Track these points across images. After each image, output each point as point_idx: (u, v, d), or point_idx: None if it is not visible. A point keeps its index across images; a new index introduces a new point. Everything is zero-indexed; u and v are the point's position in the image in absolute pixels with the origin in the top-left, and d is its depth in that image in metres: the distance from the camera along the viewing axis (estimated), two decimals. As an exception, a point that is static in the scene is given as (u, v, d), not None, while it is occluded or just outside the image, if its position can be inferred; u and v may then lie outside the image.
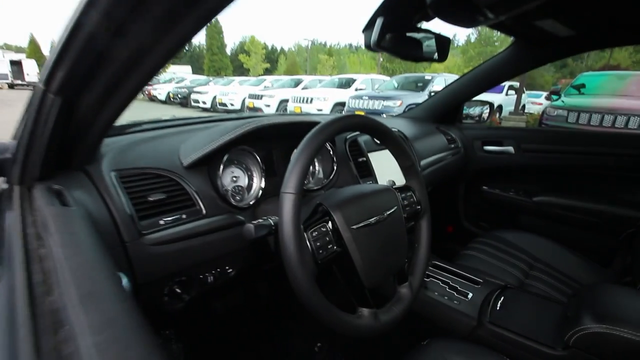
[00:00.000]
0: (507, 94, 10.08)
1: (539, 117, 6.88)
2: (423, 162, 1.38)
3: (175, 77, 18.54)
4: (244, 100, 10.67)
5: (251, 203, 0.82)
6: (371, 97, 7.38)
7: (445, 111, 1.72)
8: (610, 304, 0.78)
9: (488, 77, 1.52)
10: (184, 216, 0.69)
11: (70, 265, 0.31)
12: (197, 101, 12.13)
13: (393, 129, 0.79)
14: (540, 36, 1.20)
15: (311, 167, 1.04)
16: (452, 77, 7.86)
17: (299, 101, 8.91)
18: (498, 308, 0.92)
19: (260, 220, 0.63)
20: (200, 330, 1.22)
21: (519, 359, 0.81)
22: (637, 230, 1.30)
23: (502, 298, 0.95)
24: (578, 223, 1.51)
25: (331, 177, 1.02)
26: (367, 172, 1.12)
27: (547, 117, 5.68)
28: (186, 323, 1.13)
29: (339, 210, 0.63)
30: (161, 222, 0.65)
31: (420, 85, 8.13)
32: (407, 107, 6.67)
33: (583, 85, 5.95)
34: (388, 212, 0.70)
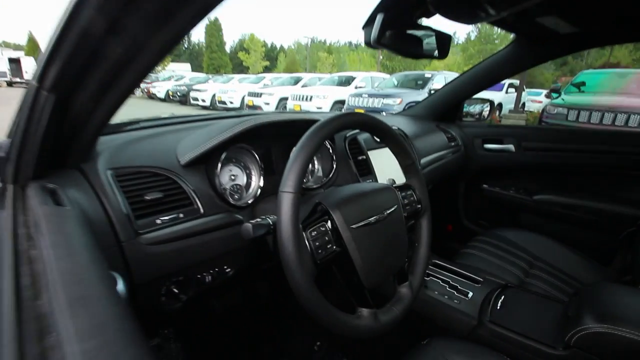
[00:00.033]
0: (507, 92, 10.06)
1: (538, 115, 6.87)
2: (423, 161, 1.38)
3: (174, 74, 18.49)
4: (243, 98, 10.64)
5: (249, 202, 0.81)
6: (371, 95, 7.36)
7: (445, 109, 1.71)
8: (611, 304, 0.77)
9: (489, 74, 1.51)
10: (181, 215, 0.68)
11: (61, 268, 0.30)
12: (196, 99, 12.09)
13: (393, 127, 0.78)
14: (541, 33, 1.19)
15: (310, 166, 1.04)
16: (452, 75, 7.85)
17: (299, 99, 8.89)
18: (498, 307, 0.91)
19: (258, 220, 0.62)
20: (199, 329, 1.21)
21: (519, 359, 0.80)
22: (637, 229, 1.29)
23: (502, 297, 0.94)
24: (578, 221, 1.51)
25: (330, 175, 1.01)
26: (366, 170, 1.11)
27: (547, 115, 5.68)
28: (185, 322, 1.13)
29: (338, 209, 0.63)
30: (158, 221, 0.64)
31: (420, 83, 8.11)
32: (406, 105, 6.65)
33: (583, 83, 5.94)
34: (388, 211, 0.69)
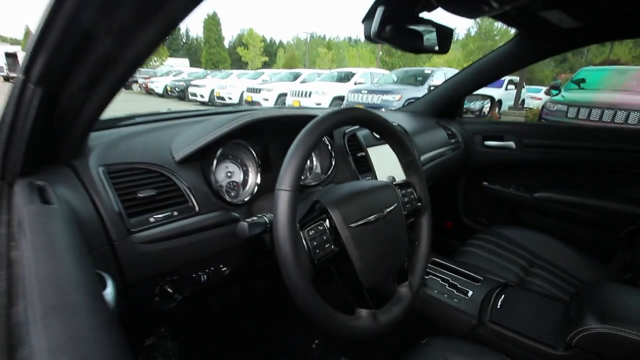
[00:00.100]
0: (506, 89, 10.04)
1: (538, 112, 6.86)
2: (423, 157, 1.36)
3: (172, 70, 18.40)
4: (242, 94, 10.58)
5: (246, 199, 0.80)
6: (370, 91, 7.32)
7: (445, 105, 1.69)
8: (613, 304, 0.76)
9: (490, 70, 1.49)
10: (175, 213, 0.66)
11: (39, 272, 0.28)
12: (194, 94, 12.02)
13: (393, 124, 0.76)
14: (544, 28, 1.17)
15: (308, 162, 1.02)
16: (452, 71, 7.81)
17: (298, 95, 8.84)
18: (499, 306, 0.90)
19: (254, 218, 0.61)
20: (196, 327, 1.20)
21: (520, 359, 0.79)
22: (638, 228, 1.28)
23: (502, 296, 0.93)
24: (579, 219, 1.50)
25: (329, 172, 0.99)
26: (366, 167, 1.09)
27: (546, 112, 5.66)
28: (182, 321, 1.12)
29: (336, 208, 0.61)
30: (151, 219, 0.63)
31: (419, 79, 8.07)
32: (406, 101, 6.62)
33: (583, 80, 5.92)
34: (388, 210, 0.68)
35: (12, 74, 20.06)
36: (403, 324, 0.68)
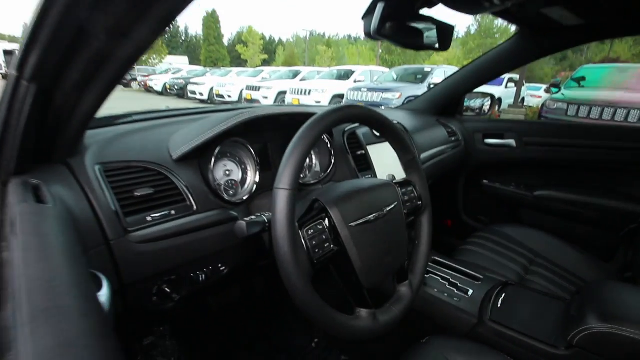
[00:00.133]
0: (506, 87, 10.02)
1: (538, 110, 6.85)
2: (423, 156, 1.35)
3: (171, 68, 18.34)
4: (241, 92, 10.55)
5: (245, 198, 0.79)
6: (370, 89, 7.30)
7: (445, 103, 1.68)
8: (615, 303, 0.75)
9: (490, 68, 1.48)
10: (173, 212, 0.65)
11: (29, 274, 0.27)
12: (194, 92, 11.98)
13: (393, 121, 0.75)
14: (546, 25, 1.16)
15: (308, 161, 1.01)
16: (452, 69, 7.79)
17: (297, 93, 8.81)
18: (499, 305, 0.89)
19: (253, 217, 0.60)
20: (195, 326, 1.19)
21: (520, 358, 0.79)
22: (639, 226, 1.28)
23: (503, 295, 0.92)
24: (579, 218, 1.49)
25: (328, 171, 0.98)
26: (366, 165, 1.09)
27: (546, 110, 5.65)
28: (181, 320, 1.11)
29: (336, 206, 0.60)
30: (148, 218, 0.62)
31: (419, 77, 8.06)
32: (406, 99, 6.61)
33: (583, 78, 5.90)
34: (388, 208, 0.67)
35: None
36: (403, 323, 0.68)
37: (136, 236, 0.59)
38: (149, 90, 15.54)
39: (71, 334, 0.23)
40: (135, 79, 18.12)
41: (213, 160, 0.73)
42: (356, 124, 1.12)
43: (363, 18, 0.84)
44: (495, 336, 0.84)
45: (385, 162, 1.17)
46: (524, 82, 10.51)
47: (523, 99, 10.83)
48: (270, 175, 0.85)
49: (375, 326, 0.61)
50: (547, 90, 7.24)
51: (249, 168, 0.84)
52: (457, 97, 1.70)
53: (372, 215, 0.64)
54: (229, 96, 10.78)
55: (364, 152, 1.10)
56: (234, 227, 0.60)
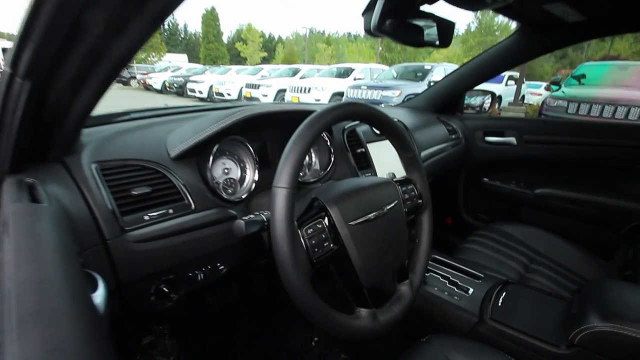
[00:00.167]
0: (506, 85, 10.00)
1: (538, 108, 6.83)
2: (423, 154, 1.34)
3: (170, 65, 18.30)
4: (241, 90, 10.52)
5: (243, 197, 0.78)
6: (370, 87, 7.28)
7: (446, 101, 1.67)
8: (617, 302, 0.75)
9: (491, 65, 1.47)
10: (170, 211, 0.64)
11: (20, 275, 0.26)
12: (193, 90, 11.95)
13: (393, 119, 0.74)
14: (547, 21, 1.15)
15: (307, 159, 1.00)
16: (452, 67, 7.78)
17: (297, 91, 8.78)
18: (500, 304, 0.89)
19: (251, 216, 0.59)
20: (194, 325, 1.19)
21: (521, 357, 0.78)
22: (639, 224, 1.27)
23: (503, 293, 0.92)
24: (580, 216, 1.49)
25: (328, 169, 0.98)
26: (365, 163, 1.08)
27: (546, 108, 5.64)
28: (180, 319, 1.11)
29: (335, 205, 0.60)
30: (146, 217, 0.61)
31: (419, 75, 8.03)
32: (406, 97, 6.59)
33: (583, 76, 5.89)
34: (388, 207, 0.66)
35: (10, 70, 19.85)
36: (403, 322, 0.67)
37: (133, 235, 0.59)
38: (148, 88, 15.49)
39: (60, 339, 0.22)
40: (134, 77, 18.07)
41: (211, 158, 0.72)
42: (356, 122, 1.11)
43: (363, 14, 0.83)
44: (495, 335, 0.84)
45: (386, 160, 1.16)
46: (524, 79, 10.49)
47: (523, 96, 10.82)
48: (269, 174, 0.84)
49: (376, 326, 0.60)
50: (547, 88, 7.21)
51: (247, 166, 0.83)
52: (458, 95, 1.69)
53: (372, 214, 0.63)
54: (229, 94, 10.75)
55: (363, 150, 1.09)
56: (232, 226, 0.59)
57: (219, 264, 0.75)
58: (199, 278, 0.72)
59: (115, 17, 0.38)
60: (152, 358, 1.00)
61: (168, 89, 13.76)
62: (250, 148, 0.82)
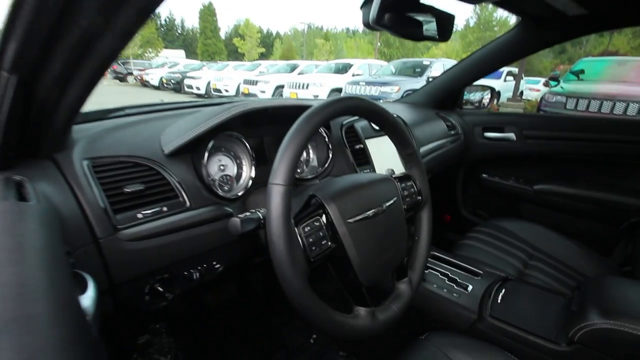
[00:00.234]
0: (505, 80, 9.99)
1: (537, 103, 6.83)
2: (422, 150, 1.33)
3: (168, 61, 18.19)
4: (238, 86, 10.46)
5: (240, 194, 0.77)
6: (368, 83, 7.25)
7: (445, 96, 1.66)
8: (617, 299, 0.74)
9: (490, 60, 1.46)
10: (165, 209, 0.63)
11: (1, 279, 0.25)
12: (190, 87, 11.88)
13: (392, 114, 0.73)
14: (549, 15, 1.13)
15: (305, 155, 0.99)
16: (451, 63, 7.74)
17: (295, 87, 8.73)
18: (499, 301, 0.88)
19: (247, 214, 0.58)
20: (192, 323, 1.18)
21: (520, 354, 0.78)
22: (639, 220, 1.27)
23: (503, 290, 0.91)
24: (579, 212, 1.48)
25: (326, 165, 0.96)
26: (364, 160, 1.07)
27: (545, 104, 5.63)
28: (177, 317, 1.10)
29: (333, 202, 0.58)
30: (139, 215, 0.60)
31: (418, 70, 8.00)
32: (404, 92, 6.57)
33: (582, 71, 5.87)
34: (387, 204, 0.65)
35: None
36: (402, 319, 0.67)
37: (126, 234, 0.57)
38: (145, 84, 15.40)
39: (37, 348, 0.21)
40: (131, 73, 17.95)
41: (206, 154, 0.71)
42: (354, 117, 1.10)
43: (361, 7, 0.81)
44: (495, 332, 0.83)
45: (384, 156, 1.15)
46: (523, 75, 10.48)
47: (522, 92, 10.81)
48: (266, 170, 0.82)
49: (374, 325, 0.59)
50: (546, 84, 7.20)
51: (244, 163, 0.82)
52: (457, 90, 1.67)
53: (370, 211, 0.62)
54: (226, 90, 10.69)
55: (362, 146, 1.08)
56: (227, 224, 0.58)
57: (214, 263, 0.74)
58: (195, 277, 0.71)
59: (102, 8, 0.36)
60: (149, 357, 0.99)
61: (165, 85, 13.68)
62: (247, 144, 0.80)
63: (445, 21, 0.90)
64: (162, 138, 0.71)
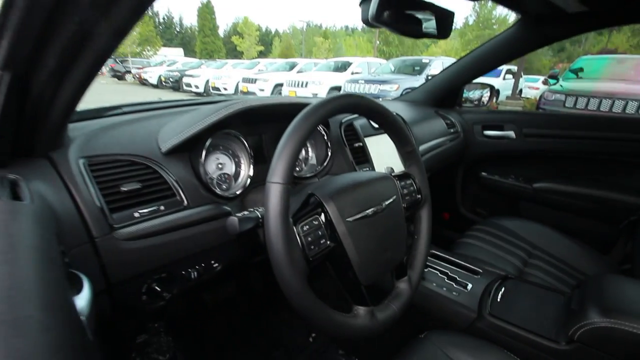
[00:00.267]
0: (504, 78, 9.99)
1: (536, 101, 6.83)
2: (421, 148, 1.33)
3: (166, 60, 18.12)
4: (237, 84, 10.43)
5: (238, 192, 0.76)
6: (367, 81, 7.24)
7: (444, 94, 1.65)
8: (616, 297, 0.74)
9: (490, 58, 1.45)
10: (162, 207, 0.62)
11: None
12: (189, 85, 11.83)
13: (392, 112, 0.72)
14: (548, 12, 1.13)
15: (304, 153, 0.98)
16: (450, 61, 7.73)
17: (294, 85, 8.72)
18: (498, 300, 0.88)
19: (245, 213, 0.57)
20: (191, 322, 1.18)
21: (520, 353, 0.77)
22: (639, 219, 1.27)
23: (502, 289, 0.91)
24: (578, 210, 1.48)
25: (325, 163, 0.96)
26: (363, 158, 1.06)
27: (544, 102, 5.63)
28: (176, 316, 1.09)
29: (332, 201, 0.58)
30: (136, 214, 0.59)
31: (417, 68, 7.99)
32: (404, 91, 6.56)
33: (581, 69, 5.87)
34: (386, 202, 0.65)
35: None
36: (401, 318, 0.66)
37: (123, 233, 0.57)
38: (143, 82, 15.34)
39: (26, 352, 0.20)
40: (130, 72, 17.88)
41: (204, 153, 0.70)
42: (353, 115, 1.09)
43: (361, 4, 0.80)
44: (494, 331, 0.83)
45: (384, 154, 1.14)
46: (522, 73, 10.48)
47: (521, 90, 10.82)
48: (264, 169, 0.81)
49: (374, 324, 0.59)
50: (545, 82, 7.21)
51: (242, 161, 0.81)
52: (456, 88, 1.66)
53: (370, 210, 0.61)
54: (225, 89, 10.66)
55: (361, 144, 1.07)
56: (225, 223, 0.57)
57: (213, 262, 0.73)
58: (193, 276, 0.70)
59: (96, 2, 0.36)
60: (148, 356, 0.98)
61: (164, 83, 13.62)
62: (245, 142, 0.79)
63: (444, 18, 0.89)
64: (159, 136, 0.70)
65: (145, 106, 0.87)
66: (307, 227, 0.55)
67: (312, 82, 8.46)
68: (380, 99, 1.98)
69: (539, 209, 1.60)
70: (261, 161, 0.84)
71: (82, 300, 0.35)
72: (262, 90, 9.57)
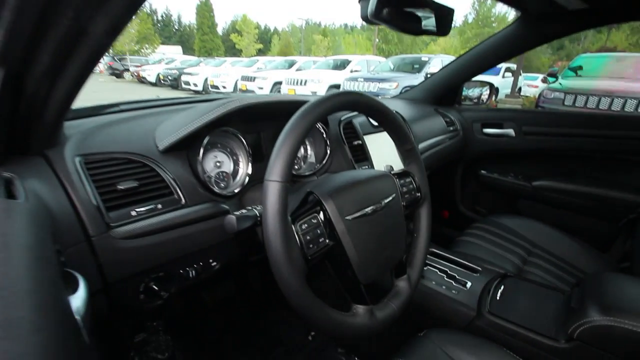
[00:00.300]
0: (503, 77, 9.98)
1: (535, 100, 6.83)
2: (421, 146, 1.32)
3: (164, 57, 18.07)
4: (236, 83, 10.40)
5: (236, 191, 0.76)
6: (366, 79, 7.23)
7: (444, 92, 1.65)
8: (616, 296, 0.74)
9: (489, 56, 1.44)
10: (159, 206, 0.62)
11: None
12: (187, 83, 11.78)
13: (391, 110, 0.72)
14: (548, 9, 1.12)
15: (302, 151, 0.98)
16: (449, 59, 7.72)
17: (293, 83, 8.69)
18: (498, 298, 0.88)
19: (243, 211, 0.57)
20: (190, 321, 1.17)
21: (519, 351, 0.77)
22: (638, 217, 1.27)
23: (501, 287, 0.91)
24: (578, 208, 1.48)
25: (324, 161, 0.95)
26: (363, 156, 1.06)
27: (543, 100, 5.64)
28: (174, 314, 1.09)
29: (331, 199, 0.57)
30: (133, 213, 0.59)
31: (416, 66, 7.99)
32: (403, 89, 6.56)
33: (580, 67, 5.88)
34: (386, 201, 0.64)
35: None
36: (400, 316, 0.66)
37: (120, 232, 0.56)
38: (142, 81, 15.28)
39: (17, 355, 0.20)
40: (128, 69, 17.82)
41: (202, 151, 0.69)
42: (353, 113, 1.09)
43: (360, 1, 0.79)
44: (494, 329, 0.83)
45: (383, 152, 1.14)
46: (521, 71, 10.48)
47: (520, 88, 10.82)
48: (263, 167, 0.81)
49: (373, 323, 0.59)
50: (544, 80, 7.21)
51: (240, 159, 0.81)
52: (456, 86, 1.66)
53: (369, 208, 0.61)
54: (224, 87, 10.63)
55: (360, 142, 1.07)
56: (223, 221, 0.56)
57: (211, 261, 0.73)
58: (191, 275, 0.70)
59: (88, 1, 0.35)
60: (146, 355, 0.98)
61: (162, 81, 13.57)
62: (243, 140, 0.79)
63: (444, 15, 0.88)
64: (157, 134, 0.69)
65: (143, 104, 0.87)
66: (306, 225, 0.54)
67: (311, 80, 8.44)
68: (380, 97, 1.97)
69: (539, 207, 1.60)
70: (259, 159, 0.83)
71: (78, 299, 0.34)
72: (261, 88, 9.54)
